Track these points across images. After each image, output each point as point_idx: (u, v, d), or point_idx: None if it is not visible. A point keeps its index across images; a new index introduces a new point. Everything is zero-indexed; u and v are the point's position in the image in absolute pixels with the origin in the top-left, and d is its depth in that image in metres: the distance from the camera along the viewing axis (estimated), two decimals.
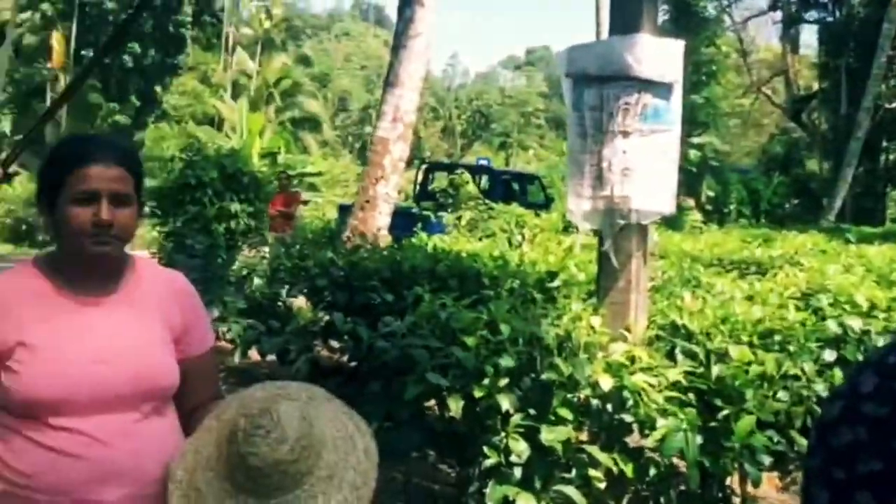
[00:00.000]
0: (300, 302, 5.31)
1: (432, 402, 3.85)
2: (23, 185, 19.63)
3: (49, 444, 1.61)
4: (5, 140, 28.73)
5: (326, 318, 4.69)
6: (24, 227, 19.53)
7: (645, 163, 3.78)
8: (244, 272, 5.56)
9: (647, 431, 3.09)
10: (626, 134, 3.76)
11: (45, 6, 29.74)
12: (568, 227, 10.54)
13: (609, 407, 3.10)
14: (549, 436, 2.91)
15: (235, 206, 6.83)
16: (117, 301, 1.75)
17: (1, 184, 4.10)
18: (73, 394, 1.63)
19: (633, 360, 3.25)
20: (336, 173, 31.71)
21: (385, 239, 6.60)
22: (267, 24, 41.14)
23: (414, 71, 6.98)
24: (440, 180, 14.23)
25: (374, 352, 3.87)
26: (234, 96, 34.84)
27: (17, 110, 30.95)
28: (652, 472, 3.10)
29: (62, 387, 1.62)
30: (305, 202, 18.04)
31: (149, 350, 1.74)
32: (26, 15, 30.34)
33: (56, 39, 29.35)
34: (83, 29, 29.73)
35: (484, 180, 15.84)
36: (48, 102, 29.65)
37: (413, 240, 5.75)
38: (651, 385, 3.07)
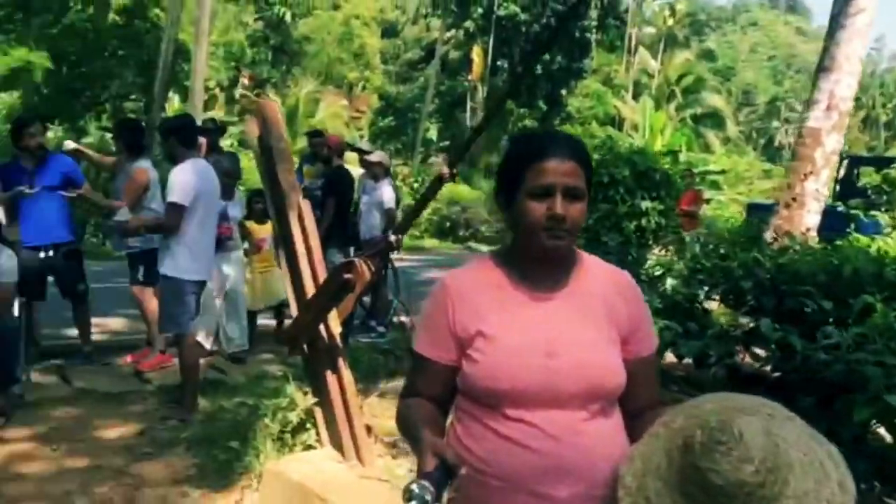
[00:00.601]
0: (714, 304, 5.04)
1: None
2: (447, 185, 21.68)
3: (504, 432, 1.65)
4: (432, 146, 32.28)
5: (750, 323, 4.36)
6: (447, 223, 21.57)
7: None
8: (658, 271, 5.44)
9: None
10: None
11: (468, 24, 32.75)
12: None
13: None
14: None
15: (646, 204, 6.75)
16: (566, 296, 1.74)
17: (446, 183, 4.54)
18: (528, 386, 1.64)
19: None
20: (740, 170, 30.12)
21: (814, 240, 5.98)
22: (670, 22, 40.65)
23: (853, 52, 6.20)
24: (868, 175, 12.65)
25: (809, 364, 3.49)
26: (635, 96, 35.02)
27: (442, 119, 34.61)
28: None
29: (518, 378, 1.64)
30: (708, 201, 17.37)
31: (597, 348, 1.71)
32: (451, 33, 33.78)
33: (476, 53, 32.21)
34: (499, 41, 32.16)
35: None
36: (468, 111, 32.71)
37: (849, 240, 5.09)
38: None
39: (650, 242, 6.89)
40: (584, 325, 1.72)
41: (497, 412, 1.67)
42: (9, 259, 5.03)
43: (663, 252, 6.80)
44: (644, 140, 20.54)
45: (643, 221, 6.77)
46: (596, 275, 1.81)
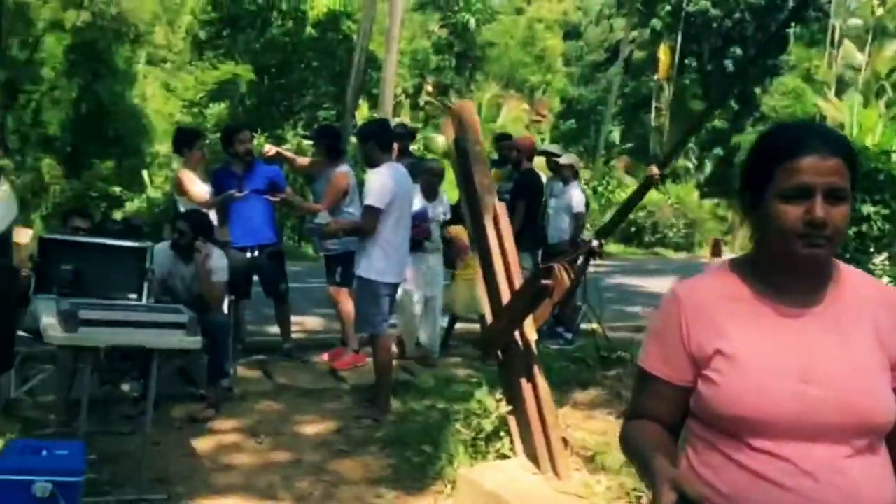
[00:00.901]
0: None
1: None
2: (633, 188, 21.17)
3: (749, 465, 1.45)
4: (615, 148, 31.55)
5: None
6: (633, 228, 21.03)
7: None
8: (890, 283, 4.88)
9: None
10: None
11: (654, 22, 31.75)
12: None
13: None
14: None
15: (868, 208, 6.12)
16: (821, 314, 1.50)
17: (654, 186, 4.34)
18: (777, 415, 1.43)
19: None
20: None
21: None
22: (880, 11, 37.33)
23: None
24: None
25: None
26: (838, 92, 32.48)
27: (625, 121, 33.76)
28: None
29: (765, 405, 1.43)
30: None
31: (861, 376, 1.46)
32: (636, 32, 32.88)
33: (662, 52, 31.15)
34: (687, 38, 30.93)
35: None
36: (652, 112, 31.73)
37: None
38: None
39: (871, 250, 6.23)
40: (846, 348, 1.48)
41: (739, 441, 1.46)
42: (220, 259, 5.32)
43: (887, 261, 6.12)
44: (852, 139, 18.94)
45: (863, 227, 6.13)
46: (858, 289, 1.55)
